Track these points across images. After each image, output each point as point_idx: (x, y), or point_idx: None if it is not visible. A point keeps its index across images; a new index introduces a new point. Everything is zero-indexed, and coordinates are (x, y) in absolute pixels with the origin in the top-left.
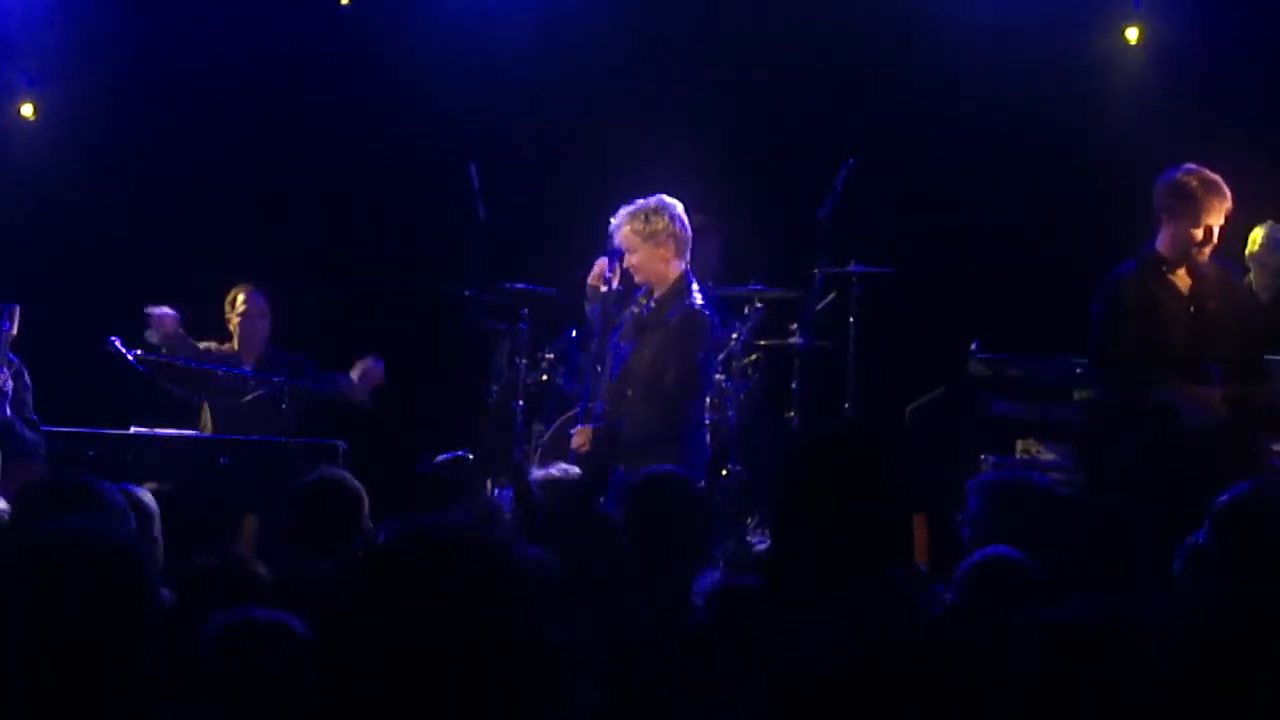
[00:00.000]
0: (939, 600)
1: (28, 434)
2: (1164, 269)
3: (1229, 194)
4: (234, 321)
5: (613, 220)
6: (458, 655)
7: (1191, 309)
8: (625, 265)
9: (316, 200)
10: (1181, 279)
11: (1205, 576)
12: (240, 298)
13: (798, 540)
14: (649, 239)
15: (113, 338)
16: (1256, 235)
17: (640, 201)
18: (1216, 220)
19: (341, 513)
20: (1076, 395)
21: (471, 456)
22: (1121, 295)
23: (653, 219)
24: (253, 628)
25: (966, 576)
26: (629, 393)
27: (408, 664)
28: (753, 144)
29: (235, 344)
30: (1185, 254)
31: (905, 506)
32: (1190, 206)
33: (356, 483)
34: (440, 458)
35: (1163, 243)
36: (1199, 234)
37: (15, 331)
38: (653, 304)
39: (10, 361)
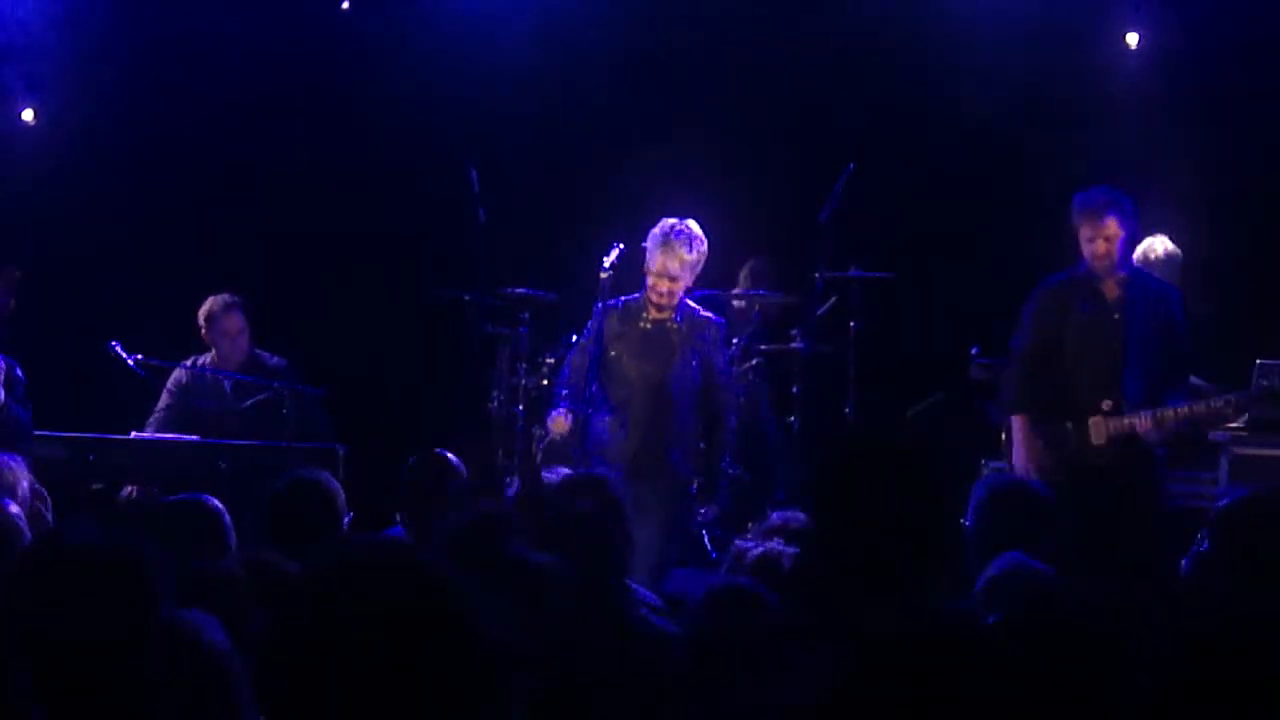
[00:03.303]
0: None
1: (22, 414)
2: (1092, 279)
3: (1102, 212)
4: (211, 339)
5: (674, 239)
6: (397, 664)
7: (1116, 316)
8: (666, 288)
9: (316, 203)
10: (1110, 289)
11: (1208, 580)
12: (217, 315)
13: (836, 547)
14: (692, 270)
15: (113, 341)
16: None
17: (696, 230)
18: (1093, 236)
19: (317, 513)
20: None
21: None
22: (1043, 299)
23: (700, 251)
24: None
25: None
26: (674, 403)
27: (350, 673)
28: (753, 148)
29: (215, 357)
30: (1095, 266)
31: (947, 516)
32: (1078, 224)
33: (335, 483)
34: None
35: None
36: (1088, 248)
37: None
38: (677, 320)
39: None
